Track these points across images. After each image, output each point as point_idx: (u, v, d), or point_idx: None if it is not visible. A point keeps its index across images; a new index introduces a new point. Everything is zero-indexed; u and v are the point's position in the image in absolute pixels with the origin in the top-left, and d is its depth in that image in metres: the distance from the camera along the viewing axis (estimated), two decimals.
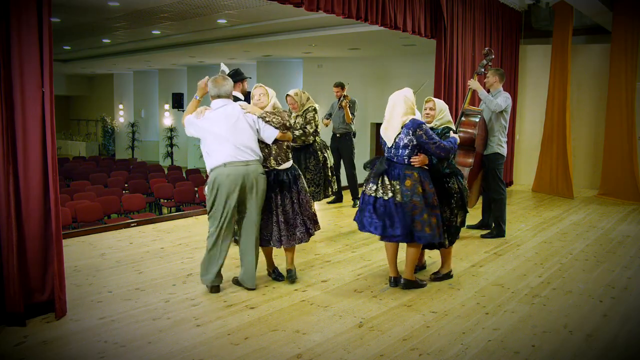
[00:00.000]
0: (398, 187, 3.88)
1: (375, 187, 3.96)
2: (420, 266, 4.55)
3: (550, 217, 6.95)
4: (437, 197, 3.96)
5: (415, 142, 3.87)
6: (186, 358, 2.97)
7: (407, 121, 3.90)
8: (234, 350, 3.07)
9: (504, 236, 5.75)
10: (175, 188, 8.86)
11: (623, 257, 5.15)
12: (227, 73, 4.44)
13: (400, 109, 3.91)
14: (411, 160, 3.89)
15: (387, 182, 3.92)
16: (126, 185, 10.04)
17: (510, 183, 9.48)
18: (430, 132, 3.91)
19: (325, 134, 7.86)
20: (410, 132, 3.86)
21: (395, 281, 4.16)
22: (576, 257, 5.10)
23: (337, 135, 7.25)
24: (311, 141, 5.65)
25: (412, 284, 4.12)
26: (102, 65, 18.02)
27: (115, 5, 8.12)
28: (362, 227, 4.05)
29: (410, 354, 3.06)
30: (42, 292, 3.44)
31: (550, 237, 5.90)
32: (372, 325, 3.45)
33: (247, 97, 4.66)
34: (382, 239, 4.04)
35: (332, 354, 3.04)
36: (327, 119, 7.31)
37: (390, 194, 3.89)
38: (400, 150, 3.91)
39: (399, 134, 3.90)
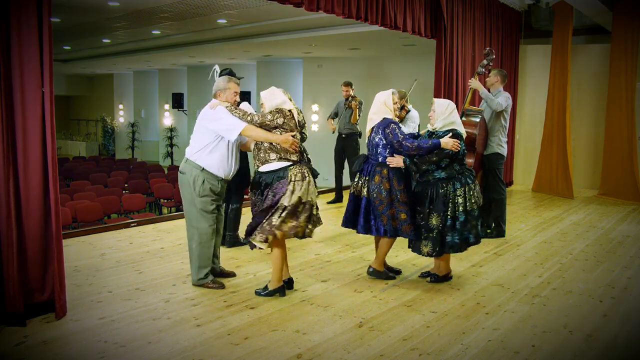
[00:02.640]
0: (367, 183, 4.10)
1: (353, 184, 4.24)
2: (444, 276, 4.32)
3: (550, 217, 6.95)
4: (412, 198, 4.09)
5: (385, 141, 4.04)
6: (186, 358, 2.97)
7: (380, 120, 4.09)
8: (234, 350, 3.07)
9: (504, 236, 5.75)
10: (175, 188, 8.85)
11: (623, 257, 5.15)
12: (218, 73, 4.50)
13: (372, 109, 4.18)
14: (387, 160, 4.03)
15: (360, 179, 4.17)
16: (126, 185, 10.03)
17: (510, 183, 9.48)
18: (397, 131, 3.99)
19: (329, 133, 7.85)
20: (380, 130, 4.04)
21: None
22: (576, 257, 5.10)
23: (343, 135, 7.23)
24: None
25: (377, 273, 4.31)
26: (102, 65, 18.01)
27: (115, 5, 8.12)
28: (342, 223, 4.32)
29: (410, 354, 3.06)
30: (42, 292, 3.44)
31: (550, 237, 5.90)
32: (372, 325, 3.45)
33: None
34: (358, 232, 4.25)
35: (332, 354, 3.04)
36: (333, 118, 7.29)
37: (363, 192, 4.13)
38: (374, 149, 4.11)
39: (371, 132, 4.12)
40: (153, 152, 20.10)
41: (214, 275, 4.17)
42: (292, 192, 3.69)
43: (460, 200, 3.98)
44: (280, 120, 3.73)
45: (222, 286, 4.06)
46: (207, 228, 3.97)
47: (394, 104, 4.11)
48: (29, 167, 3.29)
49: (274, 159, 3.76)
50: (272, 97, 3.82)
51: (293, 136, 3.73)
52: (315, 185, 3.89)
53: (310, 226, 3.81)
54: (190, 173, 3.92)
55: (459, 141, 3.95)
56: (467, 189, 4.01)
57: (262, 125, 3.76)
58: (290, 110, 3.81)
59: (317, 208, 3.88)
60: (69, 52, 14.73)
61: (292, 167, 3.74)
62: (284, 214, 3.68)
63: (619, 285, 4.31)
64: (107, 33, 11.15)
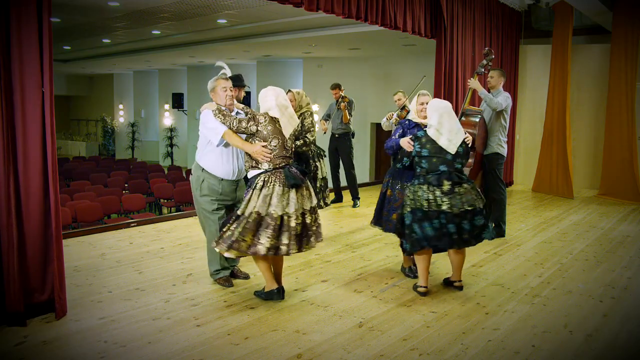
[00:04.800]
0: None
1: None
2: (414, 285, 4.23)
3: (550, 217, 6.95)
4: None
5: None
6: (186, 358, 2.97)
7: None
8: (234, 350, 3.07)
9: (504, 236, 5.75)
10: (175, 188, 8.86)
11: (623, 257, 5.15)
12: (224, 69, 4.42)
13: None
14: None
15: None
16: (126, 185, 10.04)
17: (510, 183, 9.48)
18: (396, 130, 4.18)
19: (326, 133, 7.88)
20: None
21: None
22: (576, 257, 5.10)
23: (336, 135, 7.27)
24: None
25: (402, 268, 4.51)
26: (102, 65, 18.02)
27: (115, 5, 8.13)
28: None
29: (410, 354, 3.06)
30: (42, 292, 3.44)
31: (550, 237, 5.90)
32: (372, 325, 3.45)
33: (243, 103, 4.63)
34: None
35: (332, 354, 3.04)
36: (326, 120, 7.32)
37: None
38: None
39: None
40: (153, 152, 20.12)
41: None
42: (249, 200, 3.57)
43: (406, 200, 3.91)
44: (253, 128, 3.64)
45: (231, 285, 4.09)
46: (210, 227, 4.02)
47: (419, 105, 4.13)
48: (29, 167, 3.29)
49: (252, 167, 3.71)
50: (264, 100, 3.72)
51: (265, 146, 3.62)
52: (307, 192, 3.71)
53: (285, 241, 3.53)
54: (195, 173, 4.04)
55: (410, 142, 3.91)
56: (413, 189, 3.88)
57: (238, 132, 3.73)
58: (273, 118, 3.66)
59: (299, 222, 3.59)
60: (69, 52, 14.74)
61: (261, 174, 3.63)
62: (239, 227, 3.53)
63: (619, 285, 4.31)
64: (107, 33, 11.16)
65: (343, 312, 3.64)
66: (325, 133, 7.39)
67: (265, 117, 3.66)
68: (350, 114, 7.09)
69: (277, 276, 3.91)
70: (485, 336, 3.31)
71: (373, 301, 3.87)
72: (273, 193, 3.55)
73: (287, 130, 3.72)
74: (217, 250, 3.66)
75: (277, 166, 3.65)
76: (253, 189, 3.60)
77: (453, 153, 3.84)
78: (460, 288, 4.12)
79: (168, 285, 4.10)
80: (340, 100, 7.08)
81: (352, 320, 3.51)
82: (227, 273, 4.15)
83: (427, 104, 4.05)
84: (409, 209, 3.87)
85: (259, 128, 3.65)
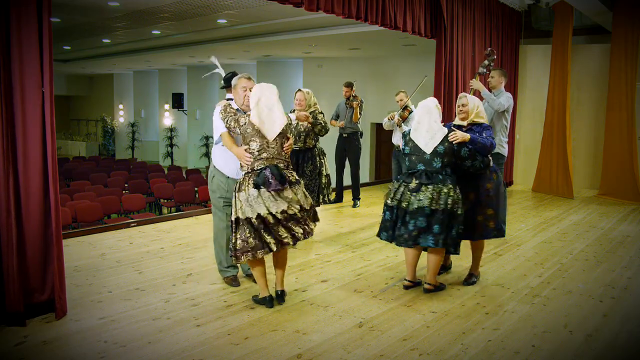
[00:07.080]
0: None
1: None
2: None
3: (550, 217, 6.95)
4: None
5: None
6: (186, 358, 2.97)
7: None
8: (234, 350, 3.07)
9: (504, 236, 5.72)
10: (175, 188, 8.86)
11: (623, 257, 5.15)
12: (217, 66, 4.45)
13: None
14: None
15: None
16: (126, 185, 10.05)
17: (510, 183, 9.49)
18: None
19: (331, 133, 7.84)
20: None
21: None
22: (576, 257, 5.10)
23: (344, 135, 7.22)
24: (312, 145, 5.58)
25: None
26: (102, 65, 18.03)
27: (115, 5, 8.13)
28: None
29: (410, 354, 3.06)
30: (42, 292, 3.44)
31: (550, 237, 5.90)
32: (372, 325, 3.45)
33: None
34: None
35: (332, 354, 3.04)
36: (335, 120, 7.28)
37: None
38: None
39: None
40: (153, 152, 20.12)
41: (246, 275, 4.26)
42: (234, 205, 3.57)
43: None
44: (237, 131, 3.65)
45: (238, 284, 4.11)
46: (217, 223, 4.07)
47: (457, 107, 4.20)
48: (29, 167, 3.29)
49: (240, 169, 3.73)
50: (252, 101, 3.64)
51: (247, 149, 3.59)
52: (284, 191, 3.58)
53: (269, 239, 3.51)
54: (210, 169, 4.11)
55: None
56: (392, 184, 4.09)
57: (230, 132, 3.74)
58: (248, 118, 3.62)
59: (278, 218, 3.52)
60: (69, 52, 14.75)
61: (242, 176, 3.63)
62: (236, 234, 3.54)
63: (619, 285, 4.31)
64: (107, 33, 11.16)
65: (343, 312, 3.64)
66: (342, 127, 7.26)
67: (245, 120, 3.62)
68: (360, 113, 7.07)
69: (278, 278, 3.89)
70: (485, 336, 3.31)
71: (373, 301, 3.87)
72: (249, 196, 3.51)
73: (272, 131, 3.60)
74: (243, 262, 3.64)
75: (255, 168, 3.59)
76: (233, 192, 3.63)
77: (429, 153, 3.87)
78: (426, 291, 4.02)
79: (168, 285, 4.11)
80: (351, 98, 7.05)
81: (352, 320, 3.51)
82: (235, 272, 4.16)
83: (462, 105, 4.09)
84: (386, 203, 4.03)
85: (239, 131, 3.64)
